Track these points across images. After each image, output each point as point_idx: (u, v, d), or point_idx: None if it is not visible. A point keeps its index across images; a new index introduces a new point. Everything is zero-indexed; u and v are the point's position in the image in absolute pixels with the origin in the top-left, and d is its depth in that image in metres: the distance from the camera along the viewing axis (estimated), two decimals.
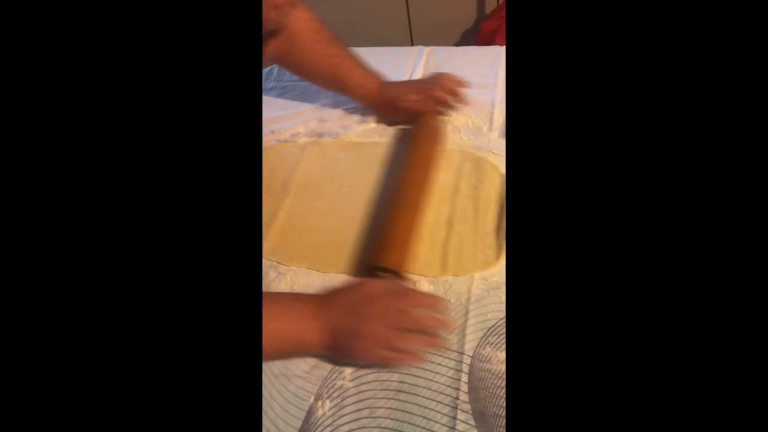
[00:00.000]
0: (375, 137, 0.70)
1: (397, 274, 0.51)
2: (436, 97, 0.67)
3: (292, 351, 0.47)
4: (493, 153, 0.65)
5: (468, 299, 0.51)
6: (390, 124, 0.71)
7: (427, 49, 0.88)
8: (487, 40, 1.36)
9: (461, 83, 0.69)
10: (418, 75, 0.81)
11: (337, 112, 0.75)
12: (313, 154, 0.69)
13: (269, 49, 0.67)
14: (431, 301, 0.48)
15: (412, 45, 1.58)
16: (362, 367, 0.47)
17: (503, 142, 0.66)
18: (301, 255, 0.57)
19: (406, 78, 0.80)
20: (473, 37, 1.53)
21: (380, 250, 0.52)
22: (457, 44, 1.57)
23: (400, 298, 0.46)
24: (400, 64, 0.84)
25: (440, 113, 0.68)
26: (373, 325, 0.44)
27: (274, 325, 0.43)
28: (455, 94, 0.68)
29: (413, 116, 0.67)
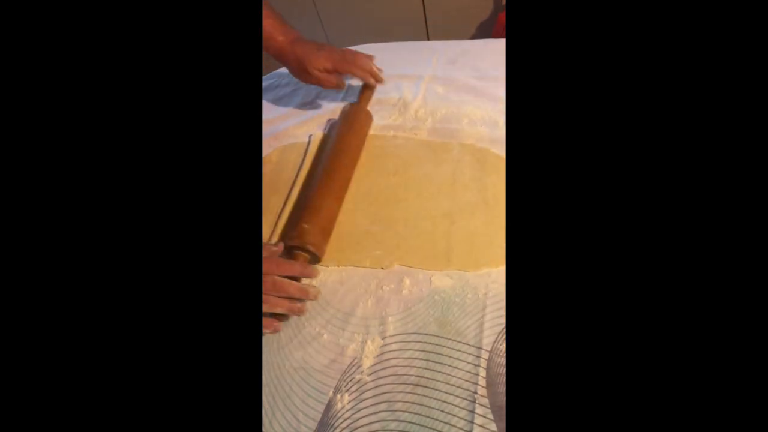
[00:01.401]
0: (373, 131, 0.71)
1: (312, 254, 0.54)
2: (350, 74, 0.67)
3: None
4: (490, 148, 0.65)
5: (486, 294, 0.51)
6: (302, 81, 0.71)
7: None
8: (504, 33, 1.34)
9: (373, 61, 0.69)
10: (435, 71, 0.80)
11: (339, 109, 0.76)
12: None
13: None
14: (300, 269, 0.52)
15: (428, 38, 1.58)
16: None
17: None
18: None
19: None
20: (490, 29, 1.51)
21: (298, 231, 0.54)
22: (474, 37, 1.55)
23: (270, 265, 0.50)
24: (417, 61, 0.84)
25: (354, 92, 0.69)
26: None
27: None
28: (369, 77, 0.69)
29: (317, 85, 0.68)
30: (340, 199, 0.59)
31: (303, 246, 0.53)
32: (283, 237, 0.58)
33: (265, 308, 0.48)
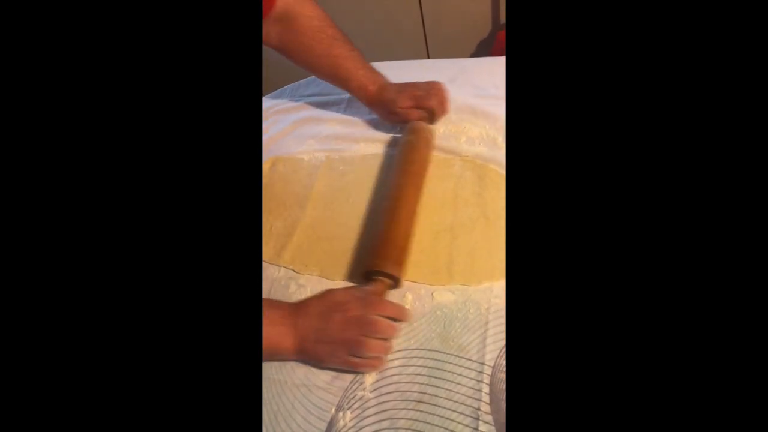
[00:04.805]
0: (374, 149, 0.72)
1: (393, 278, 0.52)
2: (428, 107, 0.69)
3: (266, 354, 0.49)
4: (491, 162, 0.66)
5: (488, 309, 0.51)
6: (390, 123, 0.73)
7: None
8: (503, 51, 1.36)
9: (448, 95, 0.72)
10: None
11: (346, 131, 0.77)
12: (324, 169, 0.70)
13: (272, 37, 0.70)
14: (394, 309, 0.50)
15: (428, 56, 1.60)
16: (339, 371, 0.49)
17: None
18: (315, 262, 0.59)
19: None
20: (489, 48, 1.54)
21: (375, 256, 0.53)
22: (473, 55, 1.57)
23: (364, 305, 0.48)
24: (417, 79, 0.85)
25: (428, 122, 0.71)
26: (338, 331, 0.47)
27: None
28: (443, 106, 0.71)
29: (404, 123, 0.70)
30: (413, 222, 0.58)
31: (385, 271, 0.51)
32: (362, 262, 0.55)
33: (364, 351, 0.47)
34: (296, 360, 0.50)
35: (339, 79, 0.73)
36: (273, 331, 0.48)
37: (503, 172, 0.64)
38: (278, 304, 0.51)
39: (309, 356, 0.49)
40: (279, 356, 0.50)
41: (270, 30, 0.69)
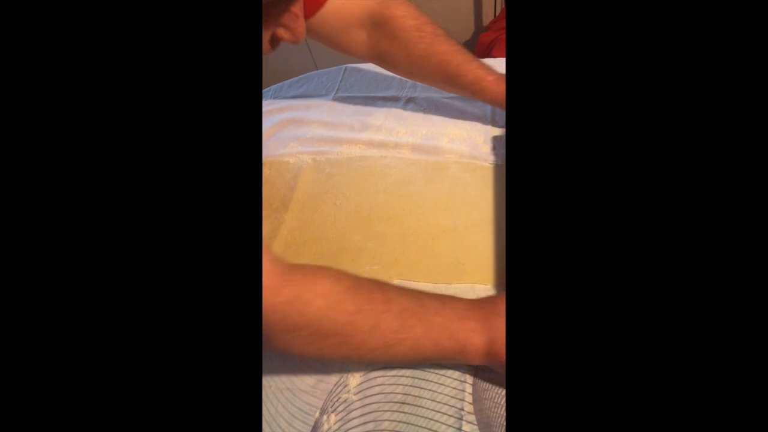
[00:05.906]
0: (358, 152, 0.72)
1: None
2: None
3: (445, 354, 0.42)
4: (495, 165, 0.66)
5: None
6: None
7: None
8: (485, 52, 1.38)
9: None
10: (415, 91, 0.82)
11: (329, 133, 0.76)
12: (309, 171, 0.70)
13: (362, 46, 0.64)
14: None
15: None
16: None
17: (501, 153, 0.66)
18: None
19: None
20: (471, 49, 1.55)
21: None
22: None
23: None
24: (397, 81, 0.85)
25: None
26: None
27: (436, 319, 0.40)
28: None
29: None
30: None
31: None
32: None
33: None
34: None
35: (449, 77, 0.65)
36: (460, 326, 0.40)
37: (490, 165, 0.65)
38: (451, 297, 0.43)
39: (501, 361, 0.41)
40: (462, 357, 0.42)
41: (358, 39, 0.64)
